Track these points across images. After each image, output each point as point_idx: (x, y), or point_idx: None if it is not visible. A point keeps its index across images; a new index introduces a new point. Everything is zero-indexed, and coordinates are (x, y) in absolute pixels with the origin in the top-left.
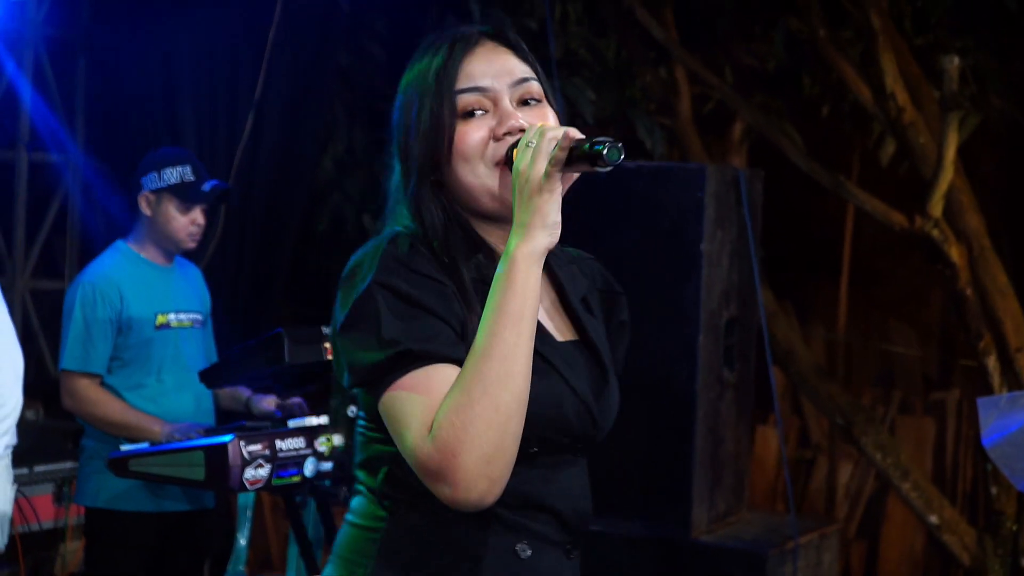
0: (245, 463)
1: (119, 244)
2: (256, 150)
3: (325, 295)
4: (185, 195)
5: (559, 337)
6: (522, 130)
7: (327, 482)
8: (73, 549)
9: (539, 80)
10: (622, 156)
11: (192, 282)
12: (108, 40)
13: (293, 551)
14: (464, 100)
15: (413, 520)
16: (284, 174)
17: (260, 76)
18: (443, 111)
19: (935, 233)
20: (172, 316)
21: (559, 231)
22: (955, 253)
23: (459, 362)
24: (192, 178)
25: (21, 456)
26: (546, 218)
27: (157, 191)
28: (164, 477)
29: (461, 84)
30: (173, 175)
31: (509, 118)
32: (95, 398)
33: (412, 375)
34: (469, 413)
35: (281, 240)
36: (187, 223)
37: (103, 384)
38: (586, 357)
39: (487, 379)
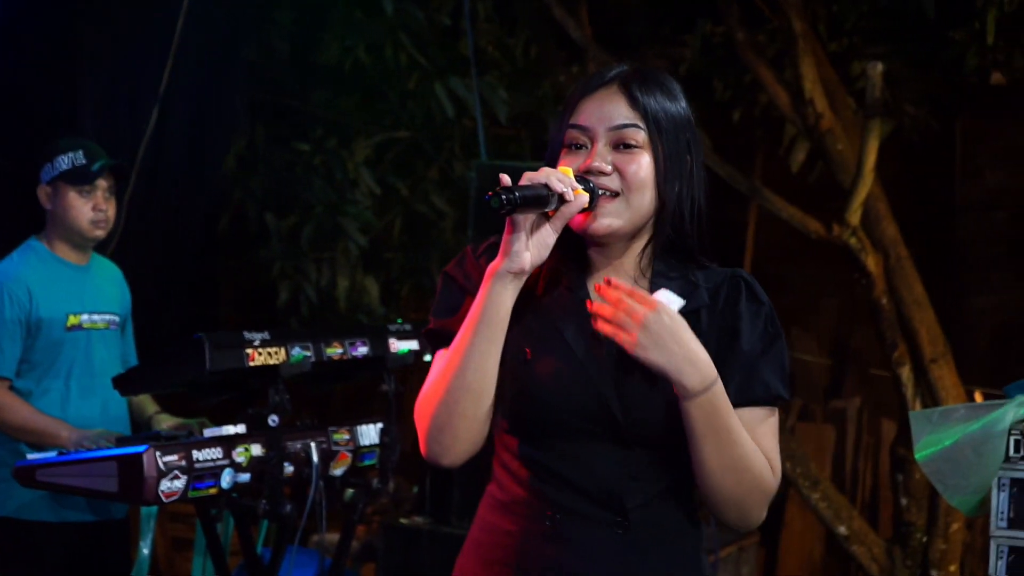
0: (161, 474)
1: (31, 241)
2: (160, 145)
3: (231, 294)
4: (77, 178)
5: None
6: (602, 172)
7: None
8: None
9: (648, 129)
10: (501, 202)
11: (110, 281)
12: (4, 29)
13: (198, 561)
14: (570, 134)
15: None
16: (189, 170)
17: (167, 69)
18: (557, 139)
19: (852, 242)
20: (85, 317)
21: (519, 260)
22: (871, 262)
23: None
24: (84, 161)
25: None
26: (507, 248)
27: (52, 181)
28: (74, 488)
29: (573, 119)
30: (65, 161)
31: (592, 158)
32: (6, 403)
33: (438, 353)
34: (428, 391)
35: (184, 237)
36: (87, 210)
37: (12, 388)
38: (634, 361)
39: (444, 367)
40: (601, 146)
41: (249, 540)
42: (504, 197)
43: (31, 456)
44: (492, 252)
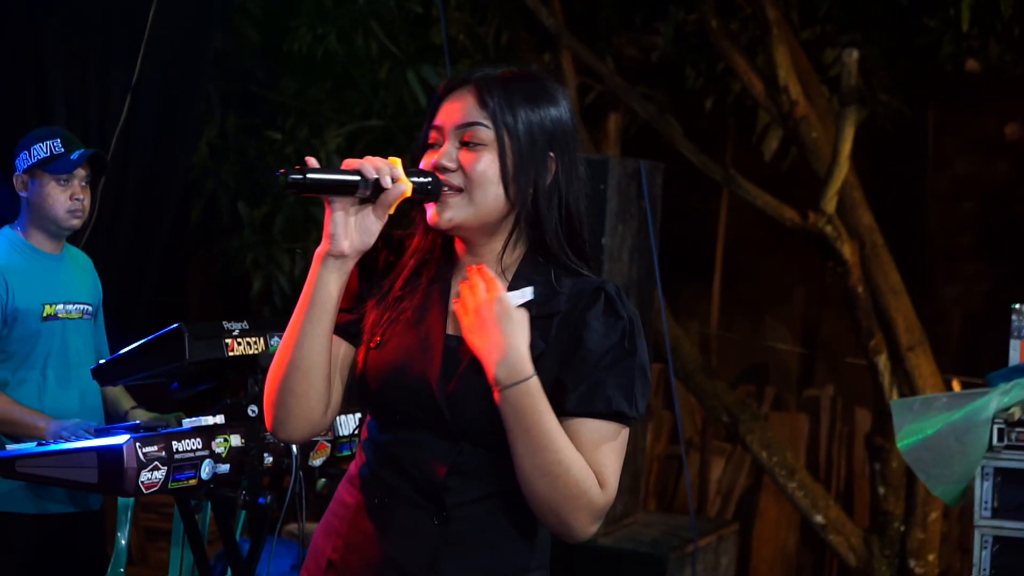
0: (141, 466)
1: (5, 231)
2: (131, 135)
3: (199, 285)
4: (55, 167)
5: (453, 331)
6: (446, 168)
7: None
8: None
9: (496, 128)
10: (287, 181)
11: (82, 271)
12: None
13: (176, 552)
14: (430, 134)
15: None
16: (160, 160)
17: (139, 58)
18: (422, 137)
19: (828, 230)
20: (60, 307)
21: (337, 244)
22: (847, 250)
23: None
24: (61, 150)
25: None
26: (327, 231)
27: (29, 168)
28: (54, 480)
29: (431, 119)
30: (42, 149)
31: (440, 155)
32: None
33: None
34: (270, 369)
35: (156, 227)
36: (64, 199)
37: None
38: (475, 356)
39: (280, 346)
40: (449, 144)
41: (229, 531)
42: (291, 178)
43: (10, 447)
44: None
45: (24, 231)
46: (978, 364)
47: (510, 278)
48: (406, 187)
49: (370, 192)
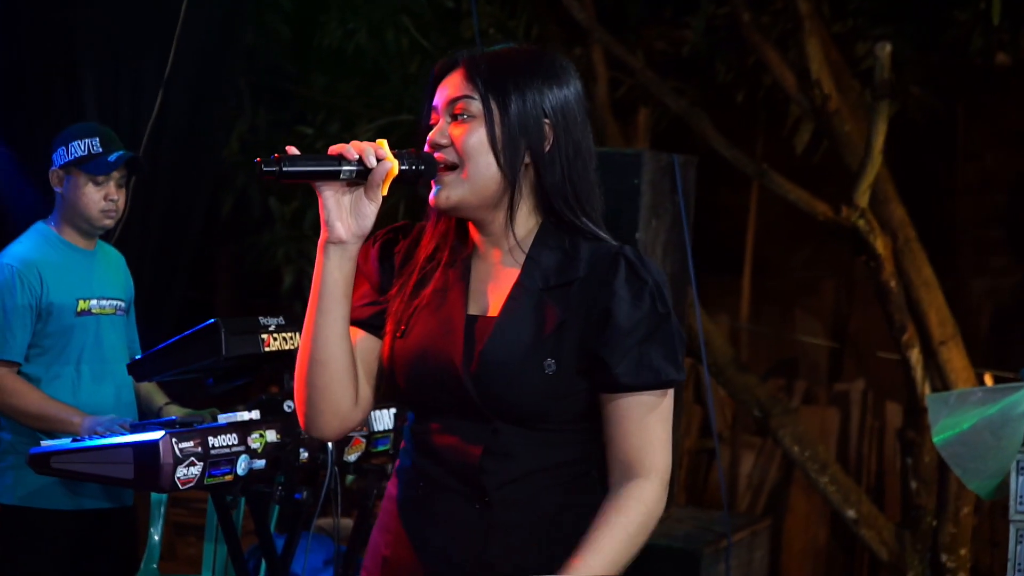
0: (177, 461)
1: (39, 225)
2: (163, 130)
3: (227, 280)
4: (92, 167)
5: (474, 311)
6: (439, 144)
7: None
8: None
9: (482, 99)
10: (261, 170)
11: (115, 267)
12: (4, 12)
13: (208, 547)
14: (431, 117)
15: None
16: (191, 155)
17: (171, 54)
18: (424, 123)
19: (861, 224)
20: (94, 302)
21: (334, 231)
22: (880, 244)
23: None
24: (100, 150)
25: None
26: (323, 219)
27: (65, 165)
28: (89, 475)
29: (429, 100)
30: (80, 147)
31: (433, 133)
32: (12, 388)
33: None
34: (295, 369)
35: (187, 222)
36: (99, 198)
37: (20, 373)
38: (497, 332)
39: (300, 343)
40: (442, 121)
41: (265, 526)
42: (265, 168)
43: (46, 443)
44: (389, 235)
45: (57, 226)
46: (1008, 357)
47: (526, 249)
48: (391, 164)
49: (355, 175)
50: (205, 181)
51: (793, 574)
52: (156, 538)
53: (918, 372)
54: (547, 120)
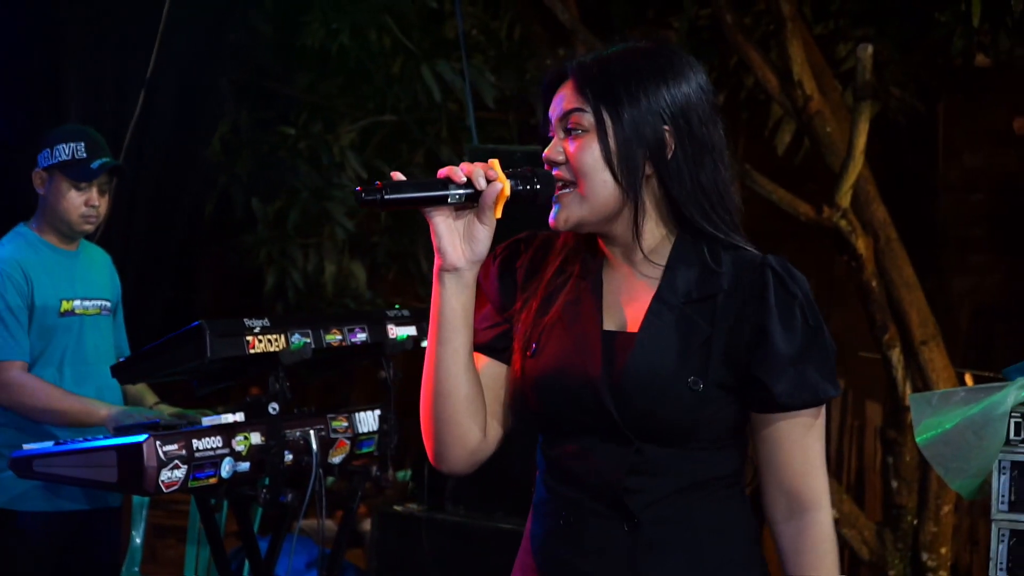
0: (161, 464)
1: (20, 228)
2: (145, 131)
3: (211, 281)
4: (74, 172)
5: (611, 326)
6: (554, 161)
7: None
8: None
9: (594, 111)
10: (362, 199)
11: (100, 267)
12: None
13: (191, 550)
14: (548, 128)
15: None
16: (174, 156)
17: (153, 54)
18: (543, 137)
19: (843, 224)
20: (77, 303)
21: (448, 257)
22: (862, 244)
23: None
24: (84, 155)
25: None
26: (436, 246)
27: (49, 168)
28: (72, 479)
29: (548, 114)
30: (65, 151)
31: (549, 150)
32: (31, 385)
33: None
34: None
35: (170, 223)
36: (80, 203)
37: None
38: (639, 348)
39: (423, 373)
40: (556, 136)
41: (249, 528)
42: (365, 197)
43: (28, 447)
44: (509, 249)
45: (39, 227)
46: (990, 355)
47: (660, 260)
48: (501, 185)
49: (464, 199)
50: (188, 181)
51: (773, 573)
52: (138, 541)
53: (899, 372)
54: (666, 126)
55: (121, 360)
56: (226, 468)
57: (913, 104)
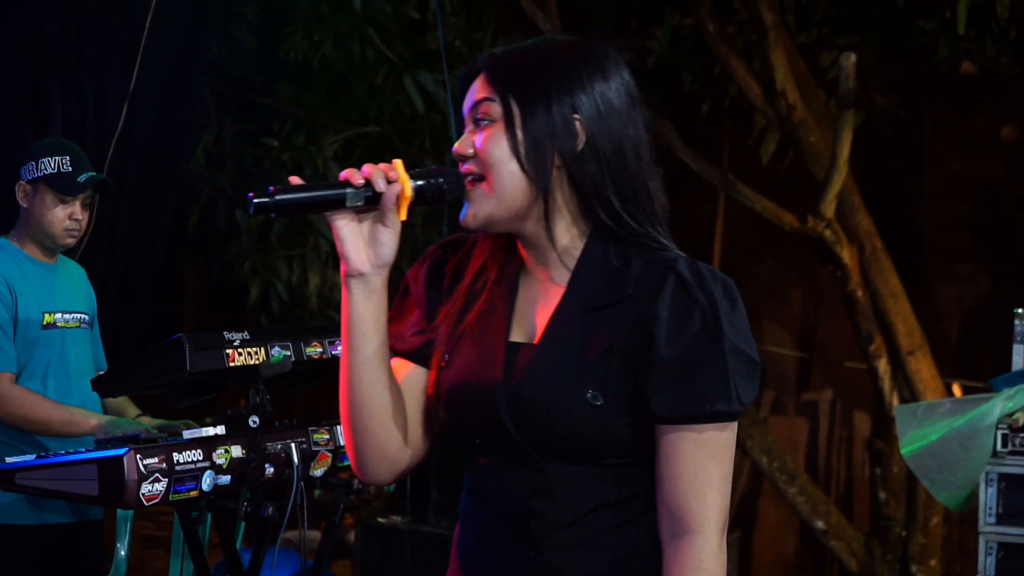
0: (142, 478)
1: (1, 240)
2: (128, 143)
3: (196, 292)
4: (60, 186)
5: (517, 337)
6: (462, 155)
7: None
8: None
9: (502, 100)
10: (254, 206)
11: (77, 281)
12: None
13: (175, 562)
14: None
15: None
16: (157, 167)
17: (136, 66)
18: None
19: (827, 234)
20: (59, 316)
21: (352, 262)
22: (847, 254)
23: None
24: (69, 169)
25: None
26: (339, 252)
27: (33, 181)
28: (54, 492)
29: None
30: (50, 165)
31: (458, 143)
32: (19, 396)
33: None
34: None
35: (154, 235)
36: (63, 217)
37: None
38: (535, 362)
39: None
40: (468, 130)
41: (230, 541)
42: (256, 202)
43: (10, 460)
44: (439, 253)
45: (19, 240)
46: (977, 365)
47: (572, 264)
48: (400, 187)
49: (364, 201)
50: (171, 193)
51: None
52: (123, 553)
53: (886, 382)
54: (577, 116)
55: (101, 373)
56: (207, 481)
57: (898, 112)
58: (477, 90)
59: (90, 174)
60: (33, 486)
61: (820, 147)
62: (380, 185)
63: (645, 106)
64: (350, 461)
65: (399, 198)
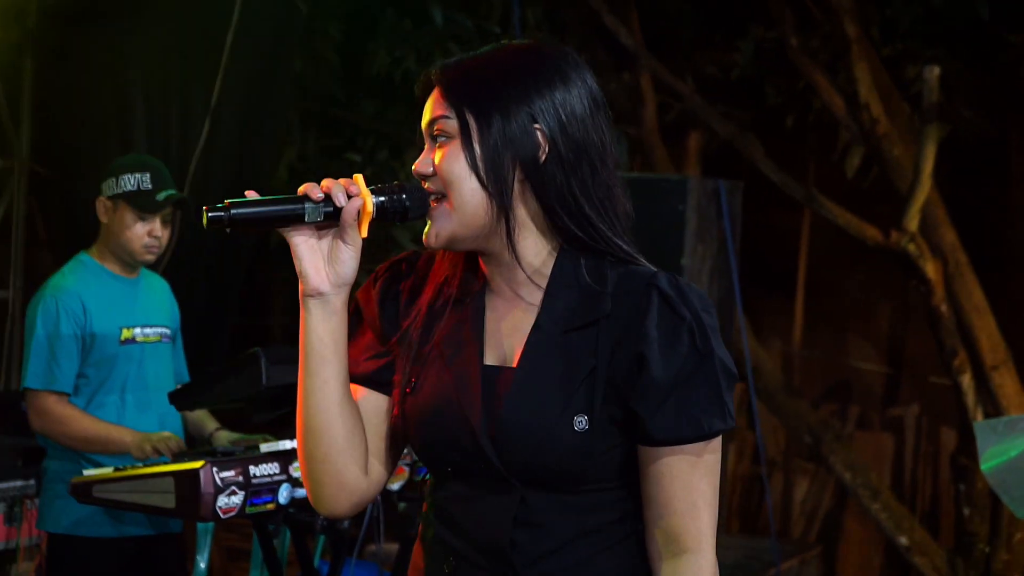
0: (218, 490)
1: (81, 255)
2: (211, 158)
3: (283, 305)
4: (139, 203)
5: (492, 360)
6: (422, 174)
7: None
8: (25, 571)
9: (458, 115)
10: (208, 219)
11: (159, 295)
12: (56, 42)
13: (255, 575)
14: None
15: None
16: (240, 183)
17: (217, 82)
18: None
19: (911, 248)
20: (138, 331)
21: (308, 281)
22: (930, 269)
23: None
24: (149, 187)
25: None
26: (297, 269)
27: (113, 197)
28: (131, 504)
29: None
30: (130, 182)
31: (417, 162)
32: (63, 415)
33: None
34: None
35: (237, 250)
36: (143, 234)
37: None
38: (516, 387)
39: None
40: (427, 148)
41: (307, 554)
42: (210, 215)
43: (88, 472)
44: (392, 271)
45: (100, 255)
46: None
47: (543, 283)
48: (361, 202)
49: (323, 216)
50: None
51: None
52: (203, 566)
53: (970, 397)
54: (537, 125)
55: (179, 387)
56: (283, 494)
57: (983, 126)
58: (432, 106)
59: (169, 192)
60: (111, 498)
61: (904, 161)
62: (340, 200)
63: (609, 109)
64: (306, 492)
65: (360, 214)
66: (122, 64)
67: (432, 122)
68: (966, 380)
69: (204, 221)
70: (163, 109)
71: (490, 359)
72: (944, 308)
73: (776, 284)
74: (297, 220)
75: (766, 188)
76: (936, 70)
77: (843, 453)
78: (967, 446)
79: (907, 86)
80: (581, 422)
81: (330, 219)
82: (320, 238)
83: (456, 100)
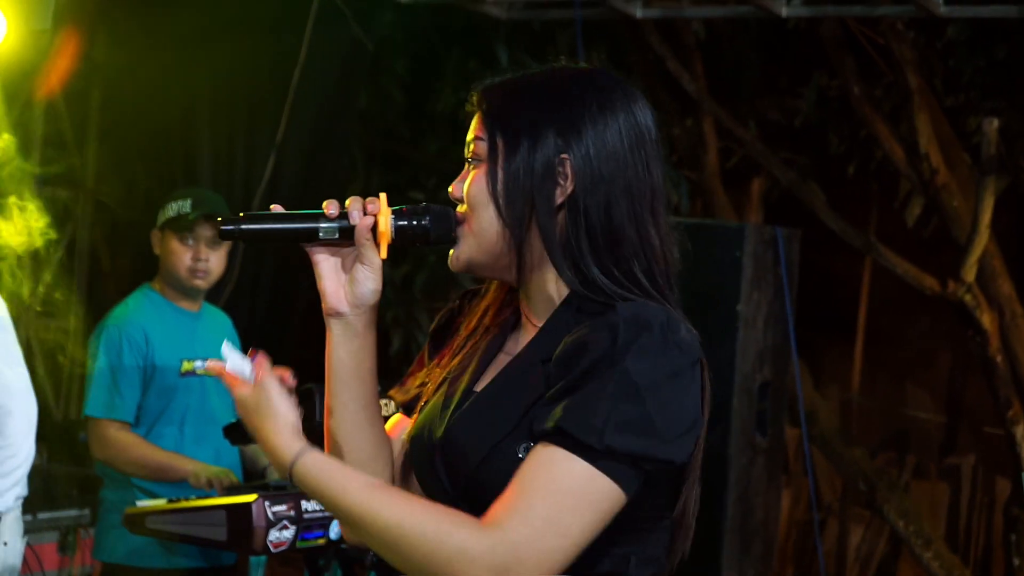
0: (270, 524)
1: (145, 287)
2: (274, 195)
3: None
4: (177, 226)
5: (480, 387)
6: (454, 198)
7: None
8: None
9: (488, 139)
10: (220, 231)
11: (220, 328)
12: (122, 73)
13: None
14: None
15: None
16: None
17: (283, 117)
18: None
19: (968, 298)
20: (198, 363)
21: (328, 301)
22: (987, 319)
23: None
24: (188, 210)
25: (25, 503)
26: (319, 289)
27: (161, 226)
28: (183, 536)
29: None
30: (172, 209)
31: (452, 185)
32: (124, 442)
33: None
34: None
35: (296, 285)
36: (187, 258)
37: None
38: (470, 410)
39: None
40: (464, 169)
41: None
42: (223, 227)
43: (141, 503)
44: (456, 303)
45: (161, 288)
46: None
47: (540, 323)
48: (372, 220)
49: (338, 235)
50: None
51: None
52: None
53: (1023, 448)
54: (565, 156)
55: (234, 421)
56: (335, 529)
57: None
58: (474, 127)
59: (200, 210)
60: (163, 530)
61: (963, 211)
62: (355, 217)
63: (663, 146)
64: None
65: (376, 234)
66: (188, 99)
67: (469, 143)
68: (1020, 431)
69: (218, 233)
70: (228, 145)
71: (480, 385)
72: (1000, 359)
73: (837, 331)
74: (311, 237)
75: (829, 233)
76: (995, 122)
77: (897, 501)
78: (1020, 497)
79: (968, 137)
80: (527, 448)
81: (346, 237)
82: (343, 257)
83: (490, 122)
